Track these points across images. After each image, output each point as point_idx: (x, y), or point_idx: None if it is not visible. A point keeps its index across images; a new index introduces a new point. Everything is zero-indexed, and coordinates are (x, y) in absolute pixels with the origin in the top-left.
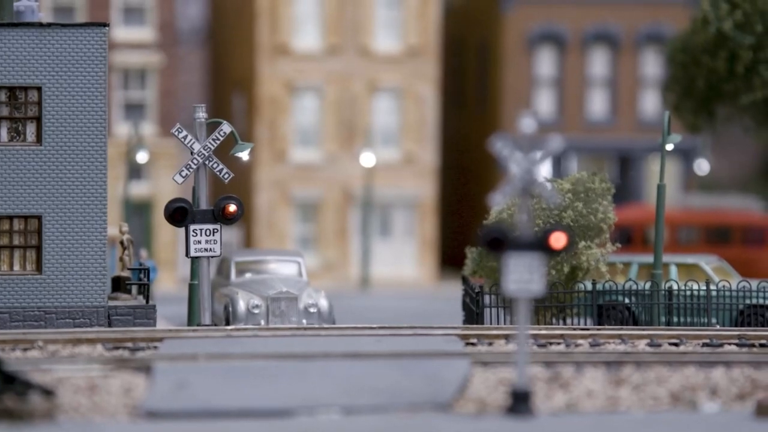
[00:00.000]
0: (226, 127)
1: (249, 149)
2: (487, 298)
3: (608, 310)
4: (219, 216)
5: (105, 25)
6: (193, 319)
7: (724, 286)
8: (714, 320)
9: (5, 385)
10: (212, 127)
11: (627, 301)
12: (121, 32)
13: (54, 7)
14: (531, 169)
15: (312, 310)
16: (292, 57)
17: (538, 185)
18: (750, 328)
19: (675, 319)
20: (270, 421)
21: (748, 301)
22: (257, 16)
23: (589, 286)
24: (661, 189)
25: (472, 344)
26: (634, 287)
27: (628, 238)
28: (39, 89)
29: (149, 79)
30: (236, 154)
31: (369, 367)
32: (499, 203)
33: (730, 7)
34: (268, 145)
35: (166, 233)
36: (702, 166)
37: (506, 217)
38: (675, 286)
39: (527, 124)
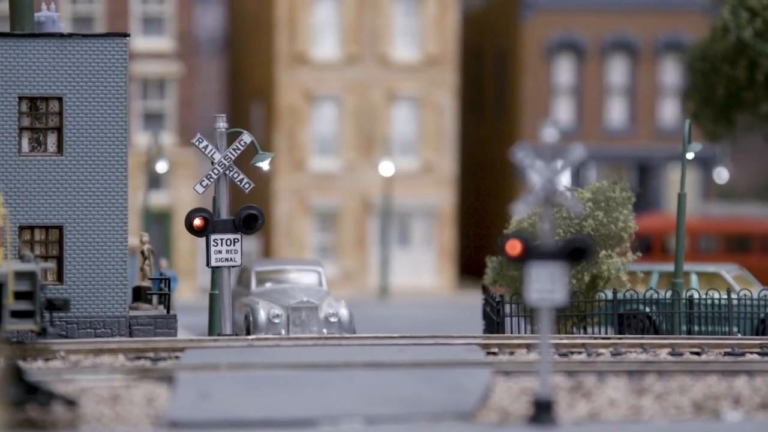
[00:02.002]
0: (246, 137)
1: (270, 158)
2: (507, 307)
3: (629, 319)
4: (240, 226)
5: (125, 35)
6: (214, 328)
7: (745, 295)
8: (735, 329)
9: (28, 396)
10: (232, 136)
11: (648, 310)
12: (140, 42)
13: (74, 18)
14: (553, 179)
15: (332, 319)
16: (311, 66)
17: (559, 194)
18: None
19: (696, 328)
20: (292, 430)
21: None
22: (276, 25)
23: (610, 295)
24: (681, 198)
25: (494, 353)
26: (655, 296)
27: (648, 246)
28: (60, 99)
29: (168, 89)
30: (257, 164)
31: (391, 377)
32: (521, 213)
33: (750, 15)
34: (287, 155)
35: (185, 243)
36: (721, 175)
37: (527, 226)
38: (696, 295)
39: (549, 134)
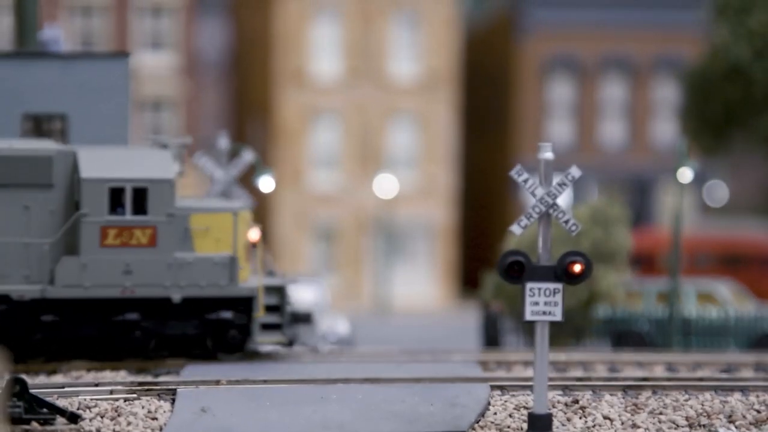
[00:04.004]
0: (248, 156)
1: (269, 176)
2: (506, 323)
3: (624, 336)
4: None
5: (128, 54)
6: None
7: (741, 312)
8: (732, 345)
9: (31, 410)
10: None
11: (643, 327)
12: (143, 61)
13: (77, 36)
14: (550, 198)
15: (332, 334)
16: (311, 84)
17: (557, 213)
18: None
19: (692, 343)
20: None
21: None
22: (276, 44)
23: (606, 312)
24: (678, 218)
25: (491, 369)
26: (650, 314)
27: (643, 263)
28: (63, 118)
29: (171, 107)
30: (258, 185)
31: (388, 392)
32: (520, 233)
33: (748, 34)
34: (287, 171)
35: None
36: (713, 194)
37: (526, 244)
38: (692, 313)
39: (547, 153)
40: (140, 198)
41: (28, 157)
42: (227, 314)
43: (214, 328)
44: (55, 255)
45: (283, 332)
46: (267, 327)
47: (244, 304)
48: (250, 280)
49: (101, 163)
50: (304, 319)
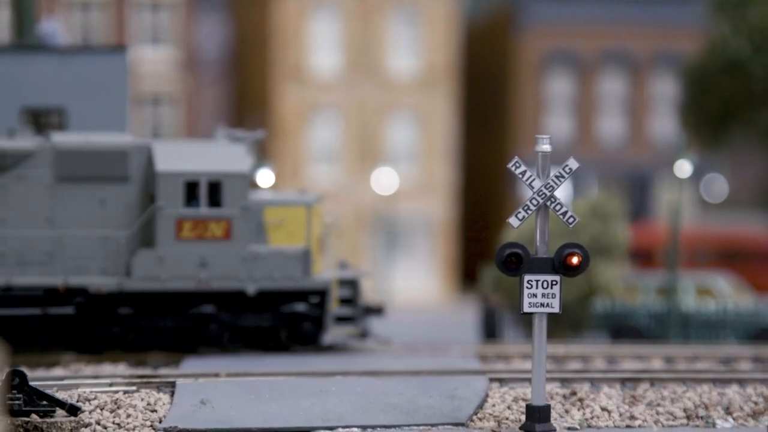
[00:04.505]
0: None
1: (268, 170)
2: (505, 317)
3: (623, 330)
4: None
5: (126, 48)
6: None
7: (740, 306)
8: (730, 339)
9: (30, 402)
10: None
11: (642, 321)
12: (142, 56)
13: (76, 31)
14: (548, 190)
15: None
16: (310, 79)
17: (555, 205)
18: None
19: (691, 336)
20: None
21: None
22: (275, 39)
23: (605, 306)
24: (677, 213)
25: (490, 362)
26: (649, 307)
27: (641, 257)
28: (62, 112)
29: (170, 103)
30: (257, 180)
31: (387, 385)
32: (517, 225)
33: (747, 28)
34: (286, 167)
35: None
36: (712, 189)
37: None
38: (691, 307)
39: (544, 145)
40: (215, 191)
41: (104, 151)
42: (301, 307)
43: (288, 320)
44: (132, 248)
45: (356, 325)
46: (340, 319)
47: (317, 297)
48: (324, 272)
49: (176, 157)
50: (376, 311)
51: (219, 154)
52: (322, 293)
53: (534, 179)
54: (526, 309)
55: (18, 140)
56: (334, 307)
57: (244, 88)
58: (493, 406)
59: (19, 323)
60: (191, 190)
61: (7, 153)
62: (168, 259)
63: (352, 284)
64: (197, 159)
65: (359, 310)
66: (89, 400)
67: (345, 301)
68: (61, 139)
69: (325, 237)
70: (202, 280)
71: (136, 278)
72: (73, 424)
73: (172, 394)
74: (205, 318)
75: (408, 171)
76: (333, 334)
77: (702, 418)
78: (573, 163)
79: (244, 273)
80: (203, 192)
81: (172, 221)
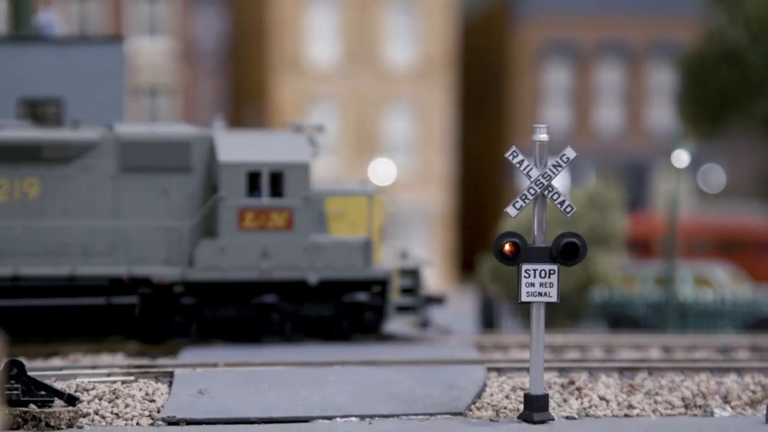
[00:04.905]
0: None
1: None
2: (503, 307)
3: (621, 319)
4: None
5: (123, 39)
6: None
7: (737, 295)
8: (728, 328)
9: (29, 392)
10: None
11: (639, 311)
12: (139, 47)
13: (73, 22)
14: (545, 179)
15: None
16: (308, 70)
17: (552, 194)
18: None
19: (689, 326)
20: (289, 427)
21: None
22: (272, 30)
23: (603, 296)
24: (674, 202)
25: (488, 352)
26: (647, 297)
27: (639, 247)
28: (59, 102)
29: (167, 93)
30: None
31: (386, 375)
32: (515, 215)
33: (745, 18)
34: None
35: None
36: (709, 179)
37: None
38: (689, 296)
39: (541, 134)
40: (277, 181)
41: (167, 141)
42: (362, 296)
43: (349, 310)
44: (194, 238)
45: (417, 314)
46: (401, 309)
47: (378, 287)
48: (385, 262)
49: (238, 147)
50: (437, 301)
51: (280, 145)
52: (383, 283)
53: (531, 168)
54: (524, 298)
55: (82, 131)
56: (395, 297)
57: (241, 79)
58: (492, 395)
59: (83, 313)
60: (253, 181)
61: (71, 144)
62: (230, 249)
63: (413, 274)
64: (259, 149)
65: (420, 300)
66: (87, 390)
67: (406, 291)
68: (124, 129)
69: (386, 227)
70: (264, 269)
71: (199, 268)
72: (71, 414)
73: (171, 384)
74: (267, 308)
75: (405, 162)
76: (394, 323)
77: (700, 407)
78: (570, 153)
79: (306, 263)
80: (265, 182)
81: (235, 211)
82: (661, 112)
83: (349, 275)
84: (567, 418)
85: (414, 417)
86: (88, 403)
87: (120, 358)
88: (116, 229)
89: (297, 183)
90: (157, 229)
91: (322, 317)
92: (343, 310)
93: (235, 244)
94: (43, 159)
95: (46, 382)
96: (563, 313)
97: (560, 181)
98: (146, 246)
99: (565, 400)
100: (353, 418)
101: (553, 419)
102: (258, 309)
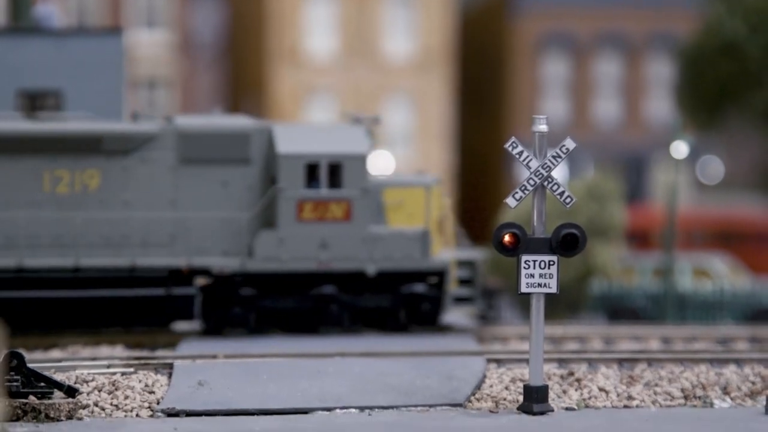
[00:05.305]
0: None
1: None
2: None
3: (620, 311)
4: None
5: (122, 31)
6: None
7: (736, 287)
8: (729, 320)
9: (28, 384)
10: None
11: (639, 302)
12: (138, 39)
13: (71, 14)
14: (545, 170)
15: None
16: (306, 62)
17: (552, 185)
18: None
19: (688, 317)
20: (288, 418)
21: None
22: (270, 22)
23: (602, 287)
24: (673, 194)
25: (488, 343)
26: (646, 288)
27: (637, 239)
28: (58, 94)
29: (166, 86)
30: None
31: (385, 366)
32: (515, 206)
33: (743, 9)
34: None
35: None
36: (708, 170)
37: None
38: (688, 288)
39: (541, 125)
40: (335, 173)
41: (226, 133)
42: (420, 287)
43: (407, 301)
44: (253, 229)
45: (474, 305)
46: (459, 300)
47: (436, 278)
48: (442, 253)
49: (297, 139)
50: (494, 292)
51: (339, 136)
52: (440, 274)
53: (531, 159)
54: (524, 289)
55: (142, 123)
56: (452, 288)
57: (239, 72)
58: (491, 386)
59: (142, 304)
60: (312, 172)
61: (131, 136)
62: (289, 240)
63: (470, 265)
64: (317, 141)
65: (478, 291)
66: (87, 382)
67: (464, 282)
68: (184, 122)
69: (444, 218)
70: (323, 260)
71: (258, 259)
72: (71, 406)
73: (170, 375)
74: (325, 299)
75: (404, 154)
76: (452, 314)
77: (699, 398)
78: (570, 144)
79: (364, 254)
80: (324, 173)
81: (293, 203)
82: (660, 104)
83: (406, 266)
84: (566, 409)
85: (413, 408)
86: (88, 394)
87: (119, 350)
88: (175, 221)
89: (355, 174)
90: (216, 220)
91: (380, 308)
92: (401, 301)
93: (293, 235)
94: (103, 151)
95: (46, 373)
96: (562, 305)
97: (559, 174)
98: (205, 237)
99: (564, 392)
100: (353, 410)
101: (552, 410)
102: (316, 300)
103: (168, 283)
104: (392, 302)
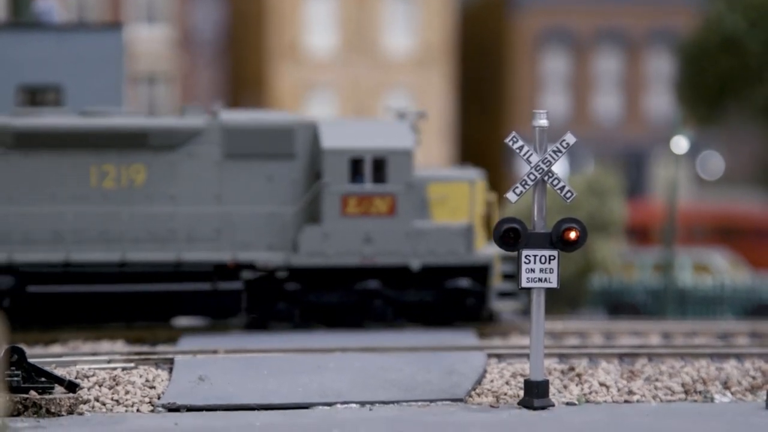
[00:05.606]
0: None
1: None
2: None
3: (620, 306)
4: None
5: (122, 26)
6: None
7: (737, 282)
8: (729, 315)
9: (29, 379)
10: None
11: (639, 298)
12: (138, 34)
13: (71, 9)
14: (545, 165)
15: None
16: (306, 58)
17: (552, 180)
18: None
19: (688, 312)
20: (289, 413)
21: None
22: (270, 18)
23: (602, 282)
24: (673, 189)
25: (488, 338)
26: (646, 284)
27: (637, 235)
28: (58, 89)
29: (165, 81)
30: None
31: (386, 361)
32: (515, 200)
33: (742, 5)
34: None
35: None
36: (708, 166)
37: (526, 215)
38: (688, 283)
39: (541, 120)
40: (380, 168)
41: (271, 128)
42: (464, 282)
43: (451, 296)
44: (298, 224)
45: (518, 300)
46: (503, 295)
47: (480, 273)
48: (486, 248)
49: (341, 134)
50: None
51: (383, 132)
52: (484, 269)
53: (531, 154)
54: (524, 284)
55: (187, 118)
56: (496, 283)
57: (239, 68)
58: (492, 381)
59: (188, 298)
60: (356, 167)
61: (176, 131)
62: (333, 234)
63: (514, 260)
64: (362, 136)
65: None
66: (88, 377)
67: (507, 277)
68: (229, 117)
69: (488, 213)
70: (367, 255)
71: (303, 254)
72: (71, 401)
73: (171, 370)
74: (370, 294)
75: None
76: (496, 309)
77: (700, 392)
78: (570, 138)
79: (409, 248)
80: (368, 168)
81: (338, 197)
82: (660, 100)
83: (451, 261)
84: (567, 404)
85: (414, 403)
86: (89, 389)
87: (120, 345)
88: (221, 215)
89: (400, 169)
90: (261, 215)
91: (424, 303)
92: (445, 296)
93: (338, 230)
94: (149, 146)
95: (47, 368)
96: (562, 300)
97: (559, 169)
98: (250, 232)
99: (565, 387)
100: (353, 405)
101: (553, 405)
102: (361, 295)
103: (214, 278)
104: (436, 297)
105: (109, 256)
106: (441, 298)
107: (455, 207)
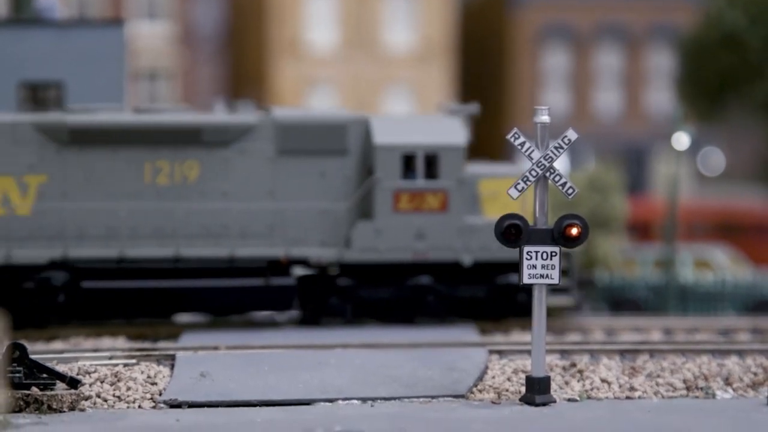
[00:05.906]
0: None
1: None
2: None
3: (621, 302)
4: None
5: (123, 22)
6: None
7: (738, 278)
8: (730, 311)
9: (31, 375)
10: None
11: (640, 294)
12: (139, 31)
13: (73, 6)
14: (547, 161)
15: None
16: (307, 54)
17: (554, 176)
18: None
19: (689, 308)
20: (290, 409)
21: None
22: (271, 14)
23: (604, 279)
24: (674, 185)
25: (489, 334)
26: (647, 280)
27: (638, 231)
28: (59, 85)
29: (167, 78)
30: None
31: (387, 357)
32: (517, 196)
33: (743, 2)
34: None
35: None
36: (709, 162)
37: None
38: (689, 279)
39: (543, 116)
40: (432, 164)
41: (323, 125)
42: (516, 278)
43: (502, 291)
44: (350, 220)
45: (570, 295)
46: (555, 291)
47: None
48: None
49: (394, 130)
50: (588, 283)
51: (435, 128)
52: None
53: (533, 150)
54: (526, 280)
55: (240, 115)
56: None
57: (240, 63)
58: (493, 377)
59: (242, 293)
60: (408, 163)
61: (230, 127)
62: (386, 230)
63: (565, 256)
64: (414, 132)
65: (573, 282)
66: (89, 373)
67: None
68: (281, 113)
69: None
70: (419, 251)
71: (355, 249)
72: (73, 397)
73: (172, 366)
74: (422, 289)
75: None
76: (548, 305)
77: (702, 389)
78: (572, 134)
79: (460, 244)
80: (420, 164)
81: (390, 193)
82: (660, 96)
83: (502, 257)
84: (569, 400)
85: (415, 399)
86: (90, 386)
87: (121, 341)
88: (274, 211)
89: (451, 165)
90: (313, 211)
91: (476, 299)
92: (497, 291)
93: (390, 226)
94: (202, 142)
95: (48, 365)
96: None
97: (561, 165)
98: (303, 228)
99: (566, 383)
100: (354, 401)
101: (554, 401)
102: (413, 290)
103: (267, 274)
104: (488, 293)
105: (162, 252)
106: (492, 293)
107: (507, 203)
